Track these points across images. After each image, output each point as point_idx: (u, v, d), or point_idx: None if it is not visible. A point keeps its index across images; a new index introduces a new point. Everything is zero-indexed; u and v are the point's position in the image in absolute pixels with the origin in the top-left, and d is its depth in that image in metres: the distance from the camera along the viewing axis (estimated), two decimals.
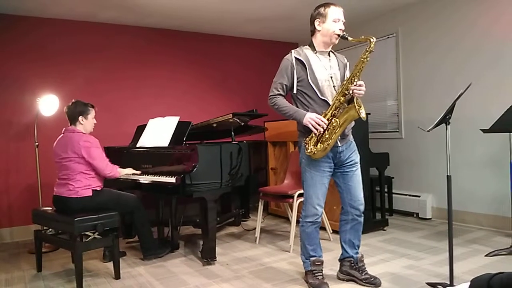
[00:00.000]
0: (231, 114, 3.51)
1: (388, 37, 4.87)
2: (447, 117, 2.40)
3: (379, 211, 4.32)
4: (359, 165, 2.65)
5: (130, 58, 4.93)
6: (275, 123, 4.66)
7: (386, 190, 4.57)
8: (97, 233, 2.95)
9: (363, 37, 2.39)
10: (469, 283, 1.99)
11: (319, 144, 2.44)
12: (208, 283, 2.82)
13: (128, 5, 4.20)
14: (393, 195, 4.71)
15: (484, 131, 3.14)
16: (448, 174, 2.41)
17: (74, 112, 3.12)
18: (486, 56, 3.91)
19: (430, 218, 4.44)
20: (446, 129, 2.42)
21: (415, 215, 4.57)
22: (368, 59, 2.39)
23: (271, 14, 4.75)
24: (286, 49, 6.66)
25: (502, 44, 3.78)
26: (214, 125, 3.69)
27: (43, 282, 3.00)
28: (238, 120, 3.62)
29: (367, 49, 2.38)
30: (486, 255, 3.13)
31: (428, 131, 2.51)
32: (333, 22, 2.46)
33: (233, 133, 3.73)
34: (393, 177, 4.68)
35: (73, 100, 3.19)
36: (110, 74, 4.80)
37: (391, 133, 4.93)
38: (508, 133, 3.25)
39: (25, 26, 4.32)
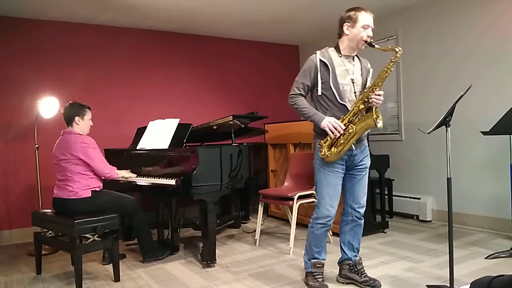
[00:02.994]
0: (231, 116, 3.51)
1: (388, 39, 4.88)
2: (447, 119, 2.40)
3: (379, 213, 4.31)
4: (368, 170, 2.67)
5: (130, 60, 4.93)
6: (275, 125, 4.66)
7: (386, 192, 4.56)
8: (96, 235, 2.95)
9: (390, 46, 2.41)
10: (469, 286, 1.99)
11: (333, 147, 2.45)
12: (208, 286, 2.82)
13: (127, 7, 4.20)
14: (393, 197, 4.70)
15: (484, 133, 3.14)
16: (448, 177, 2.41)
17: (70, 113, 3.13)
18: (485, 57, 3.91)
19: (430, 220, 4.43)
20: (446, 131, 2.42)
21: (415, 217, 4.57)
22: (392, 69, 2.39)
23: (268, 17, 4.76)
24: (286, 51, 6.68)
25: (501, 45, 3.78)
26: (214, 127, 3.69)
27: (42, 284, 2.99)
28: (238, 122, 3.62)
29: (392, 59, 2.37)
30: (486, 258, 3.13)
31: (428, 133, 2.51)
32: (362, 28, 2.44)
33: (233, 135, 3.73)
34: (393, 179, 4.68)
35: (70, 102, 3.20)
36: (110, 76, 4.81)
37: (391, 135, 4.93)
38: (508, 135, 3.25)
39: (24, 28, 4.33)
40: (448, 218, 2.40)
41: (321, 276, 2.64)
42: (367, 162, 2.66)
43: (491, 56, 3.87)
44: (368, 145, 4.07)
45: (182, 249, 3.74)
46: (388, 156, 4.37)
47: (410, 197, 4.61)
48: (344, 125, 2.42)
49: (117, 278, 2.96)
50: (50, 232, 3.56)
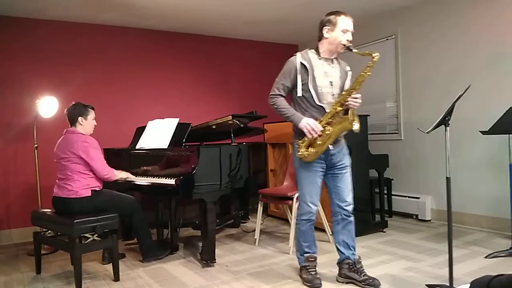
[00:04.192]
0: (230, 116, 3.51)
1: (387, 39, 4.88)
2: (446, 118, 2.40)
3: (379, 213, 4.32)
4: (349, 168, 2.72)
5: (129, 60, 4.93)
6: (275, 125, 4.66)
7: (385, 191, 4.57)
8: (96, 235, 2.95)
9: (367, 51, 2.45)
10: (468, 285, 1.99)
11: (310, 148, 2.51)
12: (207, 285, 2.82)
13: (127, 7, 4.20)
14: (393, 196, 4.70)
15: (484, 132, 3.14)
16: (448, 176, 2.42)
17: (73, 114, 3.15)
18: (484, 57, 3.92)
19: (430, 220, 4.44)
20: (446, 130, 2.42)
21: (414, 217, 4.57)
22: (369, 73, 2.43)
23: (268, 17, 4.76)
24: (286, 51, 6.68)
25: (500, 45, 3.78)
26: (214, 126, 3.69)
27: (42, 284, 2.99)
28: (237, 122, 3.62)
29: (369, 64, 2.41)
30: (485, 257, 3.13)
31: (428, 132, 2.51)
32: (341, 32, 2.49)
33: (232, 135, 3.73)
34: (392, 179, 4.68)
35: (73, 102, 3.21)
36: (110, 75, 4.81)
37: (390, 134, 4.93)
38: (508, 135, 3.25)
39: (24, 28, 4.32)
40: (448, 217, 2.40)
41: (314, 270, 2.71)
42: (347, 161, 2.70)
43: (490, 55, 3.87)
44: (368, 145, 4.11)
45: (181, 249, 3.74)
46: (387, 156, 4.38)
47: (409, 197, 4.62)
48: (322, 126, 2.47)
49: (116, 278, 2.96)
50: (49, 231, 3.55)
